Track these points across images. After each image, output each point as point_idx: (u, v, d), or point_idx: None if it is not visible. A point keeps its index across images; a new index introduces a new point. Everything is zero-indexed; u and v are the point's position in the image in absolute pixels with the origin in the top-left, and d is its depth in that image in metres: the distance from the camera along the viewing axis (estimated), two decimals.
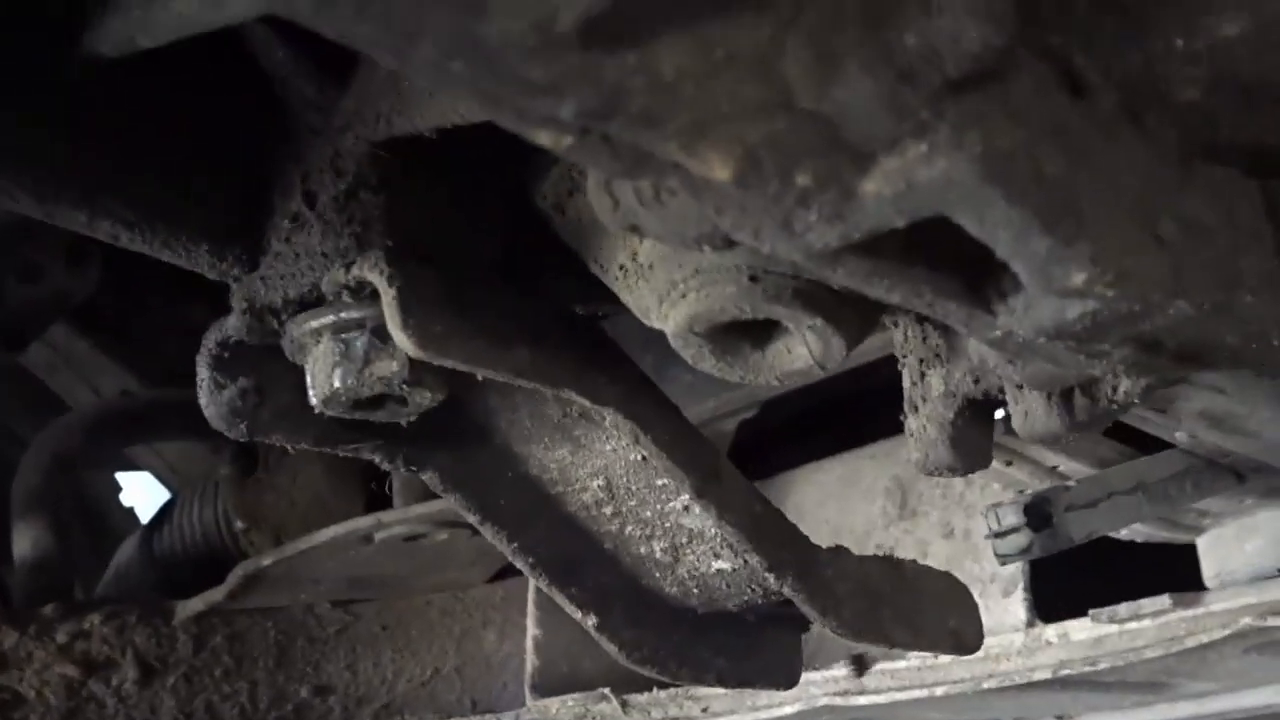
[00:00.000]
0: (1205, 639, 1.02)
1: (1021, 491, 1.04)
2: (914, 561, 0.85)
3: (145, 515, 2.00)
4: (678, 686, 1.30)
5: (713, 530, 0.79)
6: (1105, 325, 0.55)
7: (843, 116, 0.49)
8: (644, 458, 0.76)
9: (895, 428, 1.11)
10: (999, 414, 1.00)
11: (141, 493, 2.26)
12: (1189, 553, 1.26)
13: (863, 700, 1.19)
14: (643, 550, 0.83)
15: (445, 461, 0.80)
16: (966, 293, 0.54)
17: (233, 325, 0.73)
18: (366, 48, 0.46)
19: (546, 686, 1.43)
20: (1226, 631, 1.01)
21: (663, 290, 0.68)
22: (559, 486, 0.82)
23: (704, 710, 1.28)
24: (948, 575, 0.85)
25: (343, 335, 0.71)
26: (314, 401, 0.73)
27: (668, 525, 0.81)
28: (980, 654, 1.21)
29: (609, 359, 0.77)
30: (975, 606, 0.84)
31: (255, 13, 0.56)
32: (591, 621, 0.83)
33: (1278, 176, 0.63)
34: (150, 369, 1.81)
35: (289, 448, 0.80)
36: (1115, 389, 0.65)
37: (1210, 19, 0.59)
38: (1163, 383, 0.66)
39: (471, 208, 0.74)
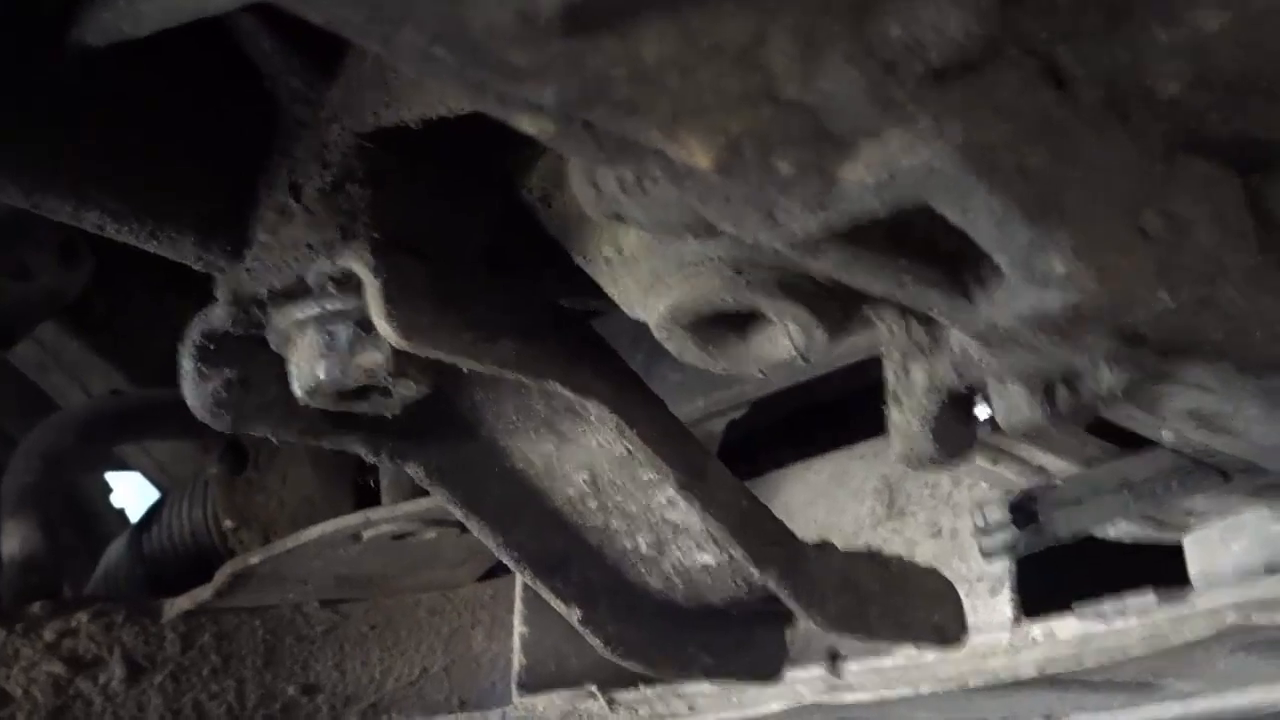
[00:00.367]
0: (1191, 636, 1.02)
1: (1009, 491, 1.04)
2: (899, 557, 0.85)
3: (135, 516, 2.01)
4: (664, 683, 1.30)
5: (698, 525, 0.79)
6: (1087, 317, 0.55)
7: (826, 106, 0.49)
8: (629, 452, 0.76)
9: (883, 428, 1.12)
10: (984, 412, 1.00)
11: (132, 493, 2.26)
12: (1176, 553, 1.26)
13: (849, 698, 1.19)
14: (628, 544, 0.83)
15: (430, 455, 0.80)
16: (948, 282, 0.55)
17: (217, 316, 0.73)
18: (351, 33, 0.46)
19: (533, 684, 1.43)
20: (1212, 630, 1.01)
21: (646, 282, 0.68)
22: (544, 481, 0.82)
23: (690, 708, 1.29)
24: (932, 570, 0.85)
25: (327, 327, 0.71)
26: (298, 393, 0.73)
27: (653, 520, 0.81)
28: (966, 652, 1.21)
29: (596, 354, 0.78)
30: (959, 601, 0.84)
31: (241, 0, 0.57)
32: (576, 615, 0.83)
33: (1260, 171, 0.64)
34: (140, 368, 1.81)
35: (276, 441, 0.79)
36: (1098, 383, 0.65)
37: (1193, 14, 0.59)
38: (1146, 377, 0.66)
39: (458, 200, 0.74)
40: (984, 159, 0.50)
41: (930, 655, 1.19)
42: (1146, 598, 1.04)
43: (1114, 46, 0.59)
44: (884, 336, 0.70)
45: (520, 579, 1.25)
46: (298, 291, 0.71)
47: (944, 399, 0.68)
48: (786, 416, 1.60)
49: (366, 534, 1.42)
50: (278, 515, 1.67)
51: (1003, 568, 1.28)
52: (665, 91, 0.47)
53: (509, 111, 0.47)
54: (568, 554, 0.83)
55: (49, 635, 1.55)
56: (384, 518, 1.41)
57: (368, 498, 1.62)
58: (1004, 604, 1.27)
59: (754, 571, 0.77)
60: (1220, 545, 1.20)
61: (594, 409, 0.73)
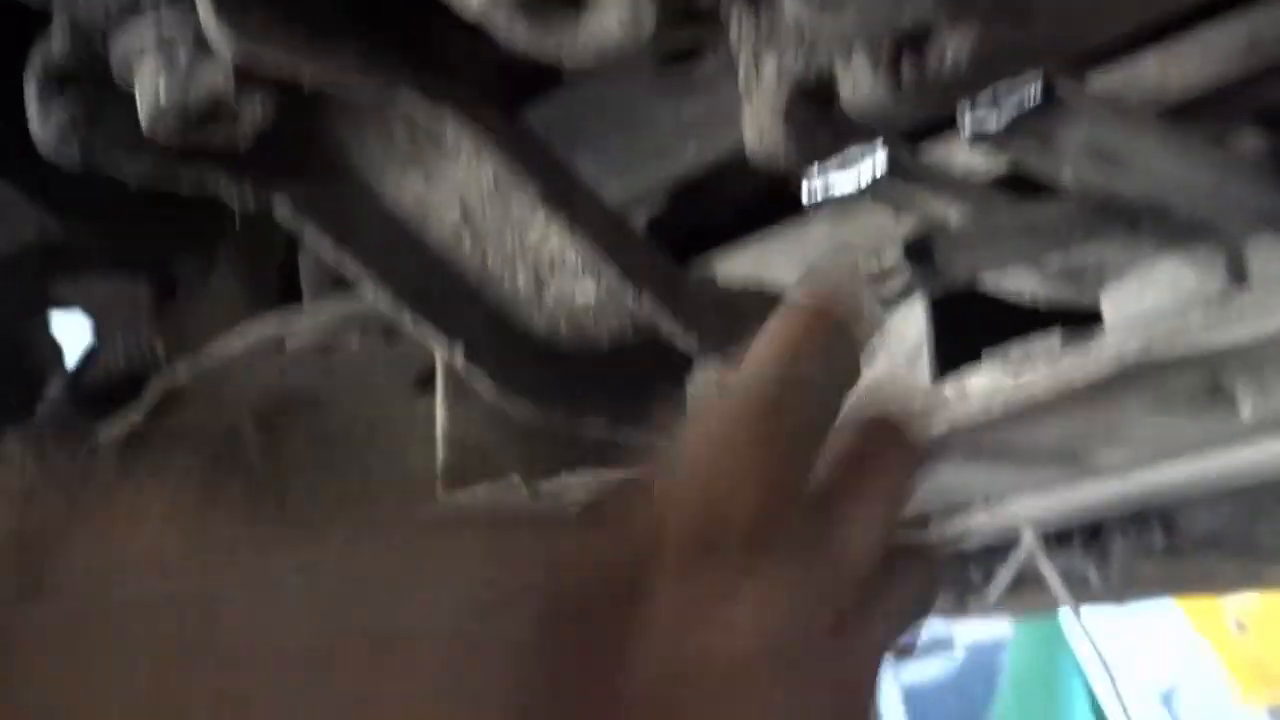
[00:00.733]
0: (1095, 375, 1.02)
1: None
2: (787, 288, 0.84)
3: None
4: (586, 469, 1.29)
5: (574, 256, 0.78)
6: None
7: None
8: (495, 180, 0.75)
9: (801, 213, 1.10)
10: (880, 155, 0.99)
11: (75, 339, 2.25)
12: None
13: None
14: (507, 285, 0.82)
15: (297, 191, 0.79)
16: None
17: (56, 45, 0.71)
18: None
19: (457, 479, 1.42)
20: (1116, 367, 1.01)
21: None
22: (418, 221, 0.81)
23: None
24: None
25: (165, 50, 0.70)
26: (144, 123, 0.71)
27: (529, 256, 0.81)
28: None
29: (451, 69, 0.76)
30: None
31: None
32: (459, 353, 0.82)
33: None
34: (67, 204, 1.79)
35: (131, 182, 0.78)
36: (943, 55, 0.64)
37: None
38: (990, 46, 0.65)
39: None
40: None
41: None
42: (1052, 342, 1.04)
43: None
44: (735, 35, 0.68)
45: (441, 378, 1.25)
46: (132, 7, 0.69)
47: (793, 88, 0.67)
48: (706, 210, 1.58)
49: (290, 344, 1.42)
50: (209, 339, 1.66)
51: (919, 334, 1.28)
52: None
53: None
54: (447, 294, 0.82)
55: None
56: (304, 323, 1.40)
57: None
58: (922, 370, 1.27)
59: (630, 294, 0.76)
60: (1134, 299, 1.19)
61: (450, 123, 0.71)
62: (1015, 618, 4.73)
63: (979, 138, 0.91)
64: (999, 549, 2.18)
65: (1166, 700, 5.55)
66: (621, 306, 0.79)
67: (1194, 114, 1.22)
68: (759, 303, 0.82)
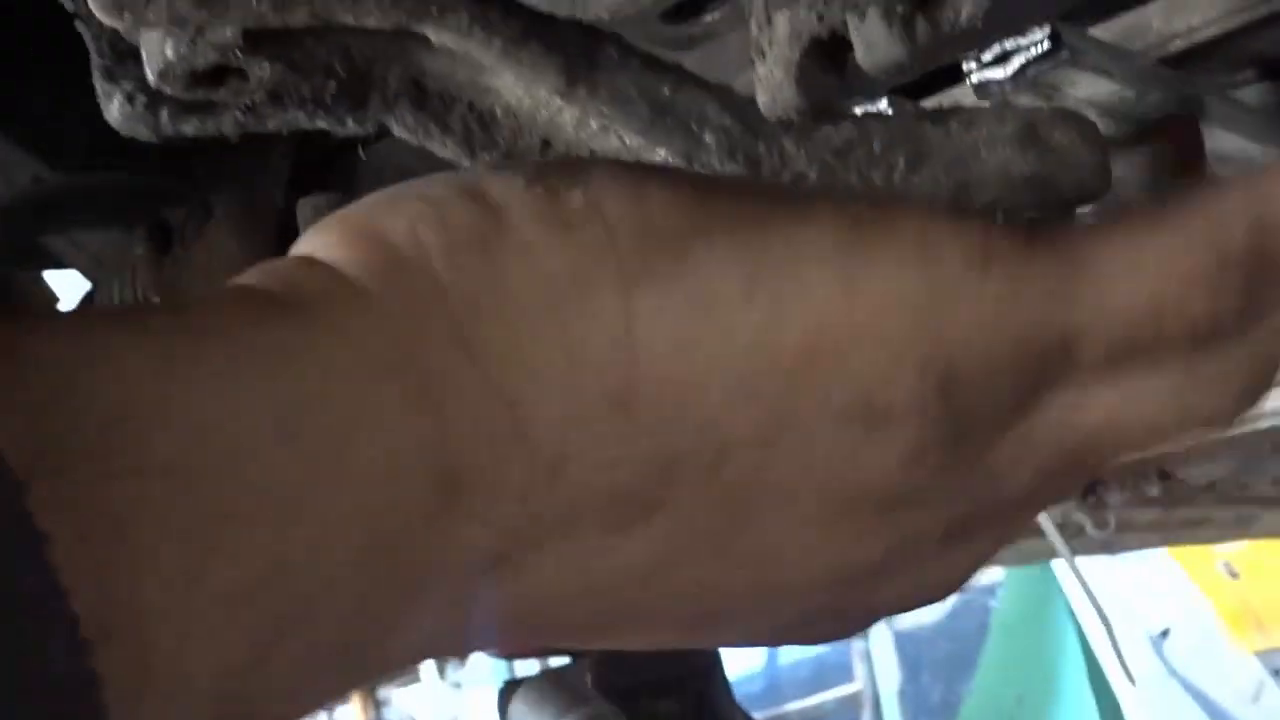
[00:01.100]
0: None
1: None
2: None
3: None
4: None
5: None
6: None
7: None
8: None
9: None
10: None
11: (74, 300, 2.24)
12: None
13: None
14: None
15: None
16: None
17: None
18: None
19: None
20: None
21: None
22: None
23: None
24: None
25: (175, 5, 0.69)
26: (151, 79, 0.70)
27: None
28: None
29: None
30: None
31: None
32: None
33: None
34: (61, 154, 1.78)
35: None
36: (957, 11, 0.63)
37: None
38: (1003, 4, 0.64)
39: None
40: None
41: None
42: None
43: None
44: None
45: None
46: None
47: (806, 45, 0.66)
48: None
49: None
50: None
51: None
52: None
53: None
54: None
55: None
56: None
57: None
58: None
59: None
60: None
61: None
62: (1011, 566, 4.76)
63: (986, 91, 0.91)
64: None
65: (1157, 644, 5.59)
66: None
67: (1198, 63, 1.21)
68: None
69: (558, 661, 2.96)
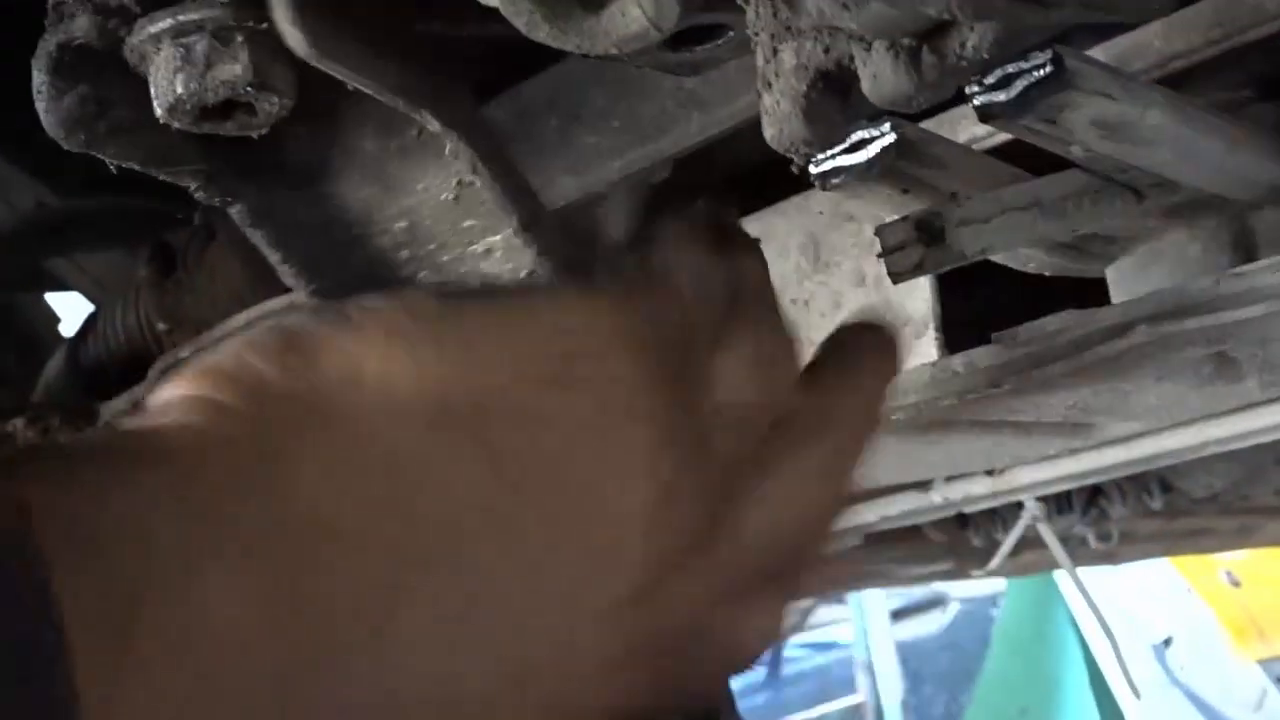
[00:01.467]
0: (1106, 353, 1.02)
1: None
2: None
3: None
4: None
5: (509, 276, 0.78)
6: None
7: None
8: (456, 198, 0.75)
9: (805, 185, 1.10)
10: (889, 138, 0.99)
11: (75, 319, 2.24)
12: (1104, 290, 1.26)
13: None
14: None
15: (252, 195, 0.78)
16: None
17: (79, 26, 0.70)
18: None
19: None
20: (1125, 344, 1.01)
21: None
22: (359, 228, 0.80)
23: None
24: None
25: (181, 40, 0.69)
26: (159, 112, 0.71)
27: (462, 270, 0.80)
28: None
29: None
30: None
31: None
32: None
33: None
34: (62, 178, 1.78)
35: (114, 165, 0.77)
36: (963, 44, 0.64)
37: None
38: (1009, 33, 0.65)
39: None
40: None
41: None
42: (1062, 317, 1.04)
43: None
44: (752, 20, 0.68)
45: None
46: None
47: (813, 77, 0.66)
48: (712, 179, 1.58)
49: None
50: (210, 314, 1.65)
51: (926, 309, 1.28)
52: None
53: None
54: None
55: None
56: (307, 300, 1.39)
57: None
58: (929, 345, 1.27)
59: None
60: (1140, 272, 1.19)
61: (451, 142, 0.71)
62: (1012, 577, 4.75)
63: (989, 114, 0.91)
64: (997, 513, 2.19)
65: (1159, 652, 5.59)
66: None
67: (1199, 84, 1.21)
68: None
69: None
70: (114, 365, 1.73)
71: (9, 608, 0.43)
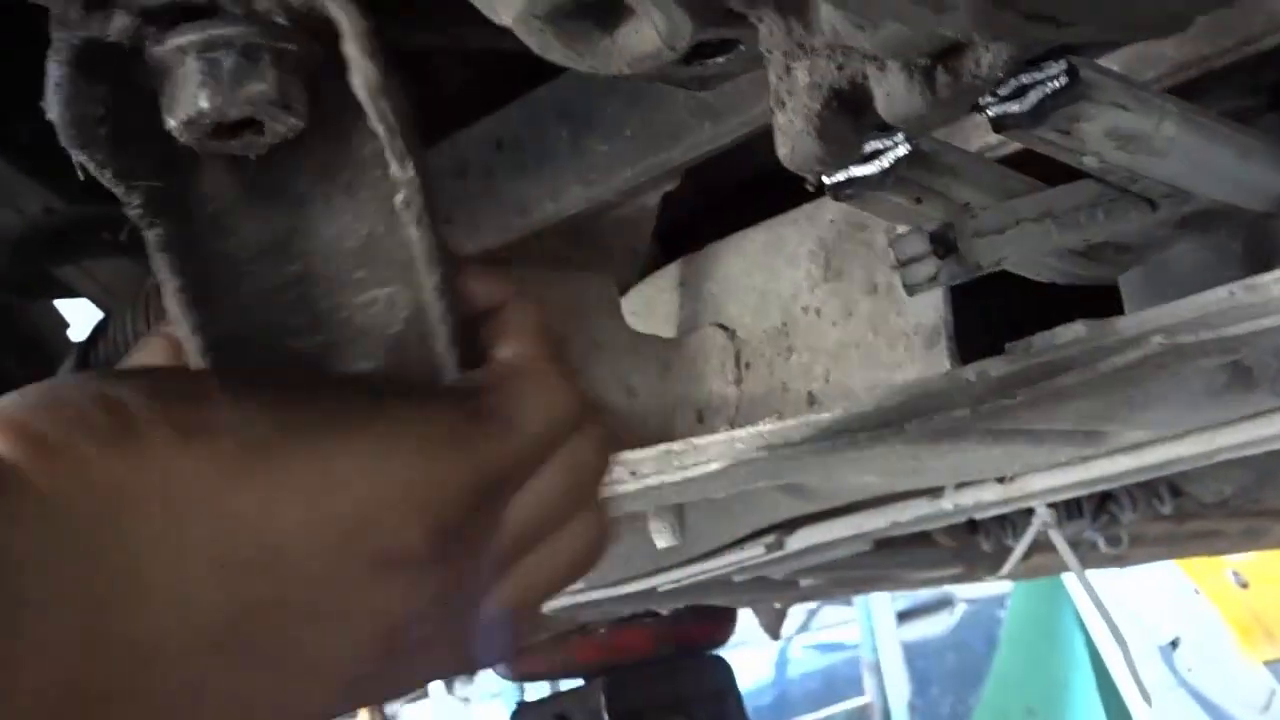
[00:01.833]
0: (1119, 363, 1.01)
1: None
2: None
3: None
4: None
5: (380, 330, 0.77)
6: None
7: None
8: (361, 248, 0.75)
9: (816, 192, 1.09)
10: (902, 148, 0.98)
11: (84, 325, 2.24)
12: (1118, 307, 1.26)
13: (789, 452, 1.18)
14: (297, 343, 0.78)
15: (169, 222, 0.76)
16: None
17: (117, 25, 0.69)
18: None
19: None
20: (1139, 354, 1.01)
21: None
22: (249, 266, 0.77)
23: (633, 473, 1.29)
24: None
25: (208, 54, 0.68)
26: (173, 124, 0.70)
27: (338, 319, 0.78)
28: None
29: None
30: None
31: None
32: None
33: None
34: (71, 185, 1.78)
35: (91, 172, 0.75)
36: (978, 63, 0.63)
37: None
38: (1023, 49, 0.64)
39: None
40: None
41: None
42: (1075, 328, 1.03)
43: None
44: (765, 38, 0.68)
45: None
46: (199, 11, 0.68)
47: (826, 95, 0.66)
48: (722, 188, 1.58)
49: None
50: None
51: (938, 320, 1.28)
52: None
53: None
54: (241, 341, 0.78)
55: None
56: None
57: None
58: (940, 356, 1.27)
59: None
60: (1153, 280, 1.19)
61: (403, 173, 0.71)
62: (1020, 580, 4.74)
63: (1003, 125, 0.91)
64: (1006, 518, 2.18)
65: (1167, 654, 5.58)
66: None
67: (1212, 92, 1.21)
68: None
69: (569, 683, 2.97)
70: None
71: None
